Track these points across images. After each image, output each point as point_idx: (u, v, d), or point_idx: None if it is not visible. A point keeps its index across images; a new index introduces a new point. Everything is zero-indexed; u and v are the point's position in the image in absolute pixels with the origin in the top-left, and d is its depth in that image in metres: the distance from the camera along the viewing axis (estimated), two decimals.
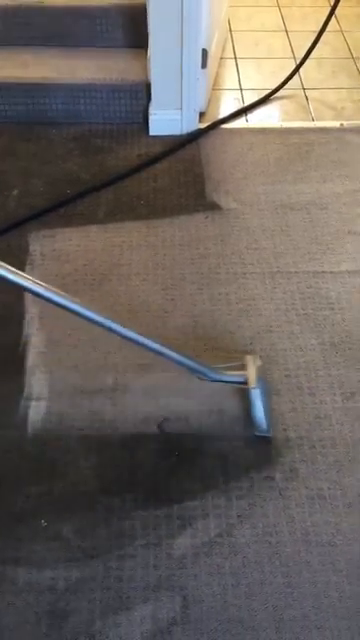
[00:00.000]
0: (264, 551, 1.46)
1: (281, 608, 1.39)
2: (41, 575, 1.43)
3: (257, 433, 1.64)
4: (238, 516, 1.51)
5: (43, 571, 1.44)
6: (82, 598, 1.40)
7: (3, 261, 2.01)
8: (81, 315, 1.39)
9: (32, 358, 1.80)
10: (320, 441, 1.64)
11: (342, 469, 1.59)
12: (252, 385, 1.59)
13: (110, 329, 1.43)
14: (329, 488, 1.56)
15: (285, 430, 1.66)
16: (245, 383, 1.60)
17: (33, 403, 1.70)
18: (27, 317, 1.90)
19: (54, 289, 1.35)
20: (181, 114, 2.48)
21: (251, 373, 1.61)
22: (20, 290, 1.95)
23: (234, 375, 1.63)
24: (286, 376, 1.77)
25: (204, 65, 2.45)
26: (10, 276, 1.29)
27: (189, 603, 1.39)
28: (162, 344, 1.49)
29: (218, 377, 1.60)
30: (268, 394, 1.66)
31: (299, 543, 1.47)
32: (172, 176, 2.36)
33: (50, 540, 1.48)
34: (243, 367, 1.64)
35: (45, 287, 1.34)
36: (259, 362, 1.65)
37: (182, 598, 1.40)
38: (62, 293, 1.36)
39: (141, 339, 1.46)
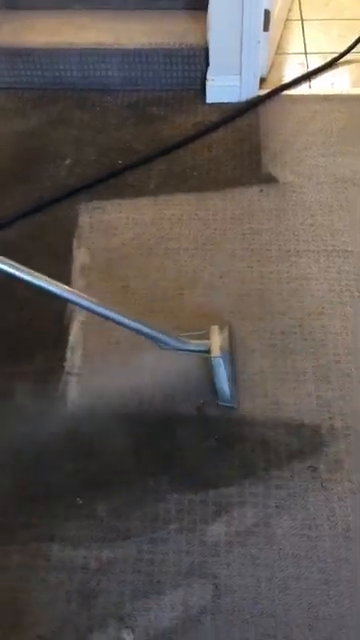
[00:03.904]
0: (302, 544, 1.41)
1: (316, 605, 1.33)
2: (74, 553, 1.42)
3: (220, 403, 1.60)
4: (276, 506, 1.46)
5: (76, 549, 1.43)
6: (113, 579, 1.39)
7: (53, 232, 2.02)
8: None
9: (75, 333, 1.78)
10: None
11: None
12: (214, 354, 1.54)
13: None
14: None
15: (331, 419, 1.58)
16: (207, 352, 1.56)
17: (73, 379, 1.69)
18: None
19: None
20: (240, 80, 2.36)
21: (214, 342, 1.56)
22: (66, 263, 1.94)
23: (196, 344, 1.59)
24: (336, 362, 1.68)
25: (266, 27, 2.32)
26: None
27: (221, 592, 1.36)
28: (120, 313, 1.49)
29: (181, 346, 1.57)
30: (233, 363, 1.62)
31: (339, 539, 1.41)
32: (228, 146, 2.26)
33: (84, 518, 1.47)
34: (207, 336, 1.60)
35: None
36: (226, 332, 1.61)
37: (214, 587, 1.37)
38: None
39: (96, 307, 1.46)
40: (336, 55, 2.55)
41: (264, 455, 1.54)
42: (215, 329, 1.61)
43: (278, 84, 2.47)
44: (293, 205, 2.05)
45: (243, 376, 1.66)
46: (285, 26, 2.73)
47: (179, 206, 2.07)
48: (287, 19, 2.76)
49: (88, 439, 1.58)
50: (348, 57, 2.55)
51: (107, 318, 1.49)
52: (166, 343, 1.55)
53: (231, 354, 1.63)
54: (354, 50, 2.55)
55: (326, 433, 1.56)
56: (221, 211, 2.05)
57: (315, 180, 2.12)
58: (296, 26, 2.74)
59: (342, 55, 2.55)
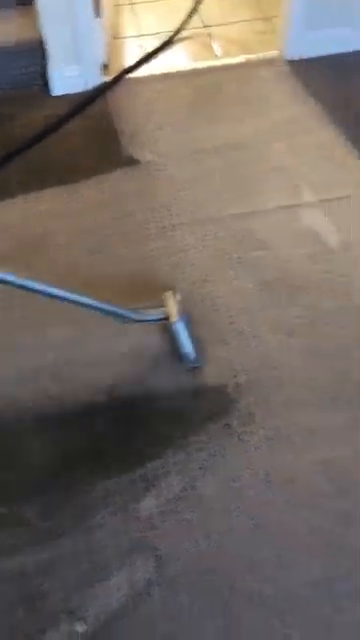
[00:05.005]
0: (229, 498, 1.47)
1: (252, 551, 1.40)
2: (10, 562, 1.40)
3: (189, 365, 1.65)
4: (200, 468, 1.51)
5: (12, 558, 1.40)
6: (55, 578, 1.38)
7: None
8: None
9: None
10: (270, 381, 1.64)
11: (294, 406, 1.60)
12: (173, 319, 1.58)
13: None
14: (285, 426, 1.56)
15: (235, 376, 1.65)
16: (167, 319, 1.60)
17: None
18: None
19: None
20: (81, 69, 2.37)
21: (171, 308, 1.60)
22: None
23: (155, 313, 1.64)
24: (230, 323, 1.75)
25: (98, 14, 2.33)
26: None
27: (163, 562, 1.39)
28: (78, 293, 1.51)
29: (140, 317, 1.61)
30: (191, 326, 1.66)
31: (261, 485, 1.48)
32: (84, 135, 2.27)
33: (14, 526, 1.44)
34: (163, 304, 1.65)
35: None
36: (178, 297, 1.66)
37: (156, 558, 1.40)
38: None
39: (54, 291, 1.48)
40: (171, 34, 2.62)
41: (179, 425, 1.58)
42: (169, 295, 1.62)
43: (121, 69, 2.50)
44: (158, 183, 2.10)
45: (142, 354, 1.70)
46: (117, 12, 2.76)
47: (47, 201, 2.06)
48: (117, 4, 2.79)
49: (4, 447, 1.55)
50: (183, 34, 2.63)
51: (59, 298, 1.50)
52: (126, 317, 1.57)
53: (188, 317, 1.64)
54: (187, 27, 2.63)
55: (232, 391, 1.63)
56: (90, 199, 2.06)
57: (173, 156, 2.18)
58: (127, 11, 2.78)
59: (176, 33, 2.62)
